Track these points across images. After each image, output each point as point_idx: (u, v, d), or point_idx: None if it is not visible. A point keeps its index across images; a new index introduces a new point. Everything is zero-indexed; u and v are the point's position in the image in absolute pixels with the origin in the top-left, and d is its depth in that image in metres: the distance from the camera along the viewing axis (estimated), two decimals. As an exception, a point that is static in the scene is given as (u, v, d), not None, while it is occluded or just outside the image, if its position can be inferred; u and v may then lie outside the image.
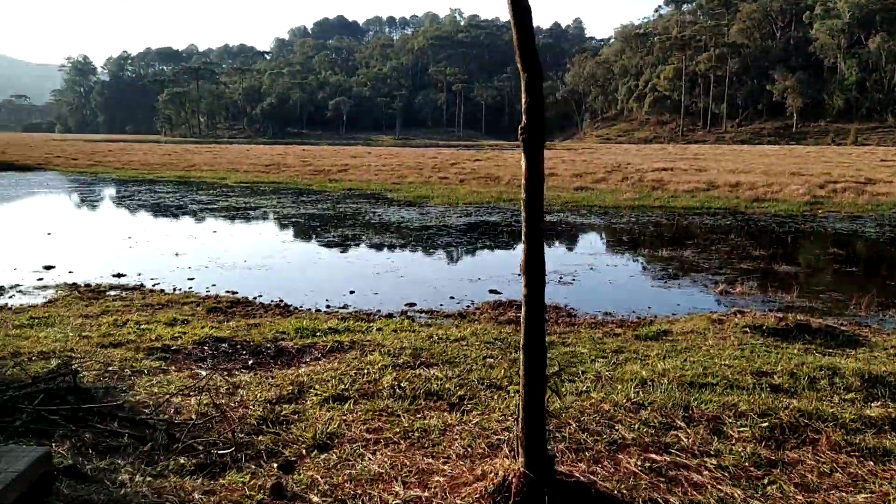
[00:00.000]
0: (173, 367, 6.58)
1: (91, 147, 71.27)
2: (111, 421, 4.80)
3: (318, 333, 8.02)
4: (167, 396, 5.40)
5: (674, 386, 5.83)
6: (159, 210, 23.40)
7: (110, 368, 6.33)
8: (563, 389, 5.64)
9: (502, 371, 6.25)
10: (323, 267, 13.99)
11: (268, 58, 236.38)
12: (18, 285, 11.44)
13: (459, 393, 5.61)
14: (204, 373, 6.35)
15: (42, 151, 60.18)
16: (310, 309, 10.03)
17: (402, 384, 5.80)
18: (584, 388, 5.80)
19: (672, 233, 18.77)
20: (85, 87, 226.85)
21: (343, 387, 5.75)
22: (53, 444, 4.37)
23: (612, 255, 15.52)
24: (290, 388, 5.74)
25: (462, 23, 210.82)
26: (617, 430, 4.73)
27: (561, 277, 12.44)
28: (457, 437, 4.64)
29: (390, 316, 9.57)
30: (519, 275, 13.32)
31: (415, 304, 10.37)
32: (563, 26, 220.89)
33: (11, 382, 5.44)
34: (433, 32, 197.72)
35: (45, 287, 11.36)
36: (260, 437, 4.67)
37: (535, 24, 3.51)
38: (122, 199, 28.15)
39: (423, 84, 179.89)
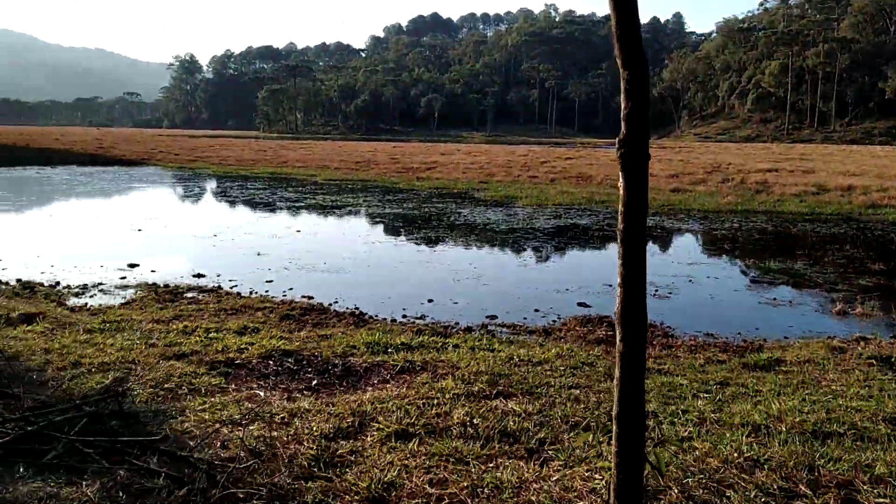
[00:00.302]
0: (233, 385, 6.15)
1: (193, 143, 73.79)
2: (151, 455, 4.35)
3: (389, 350, 7.46)
4: (216, 426, 4.93)
5: (794, 436, 4.96)
6: (248, 207, 23.59)
7: (166, 385, 5.95)
8: (660, 439, 4.88)
9: (589, 407, 5.52)
10: (403, 271, 13.49)
11: (363, 55, 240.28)
12: (101, 284, 11.42)
13: (540, 435, 4.91)
14: (262, 394, 5.89)
15: (147, 147, 62.63)
16: (385, 319, 9.51)
17: (474, 420, 5.15)
18: (686, 434, 5.00)
19: (779, 241, 17.38)
20: (191, 84, 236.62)
21: (409, 420, 5.15)
22: (84, 484, 3.95)
23: (714, 265, 14.39)
24: (351, 419, 5.18)
25: (557, 19, 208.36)
26: (728, 499, 3.93)
27: (657, 290, 11.50)
28: (533, 497, 3.95)
29: (469, 330, 8.93)
30: (610, 286, 12.49)
31: (496, 318, 9.69)
32: (662, 21, 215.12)
33: (57, 403, 5.09)
34: (527, 29, 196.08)
35: (125, 286, 11.30)
36: (309, 484, 4.11)
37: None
38: (214, 195, 28.64)
39: (515, 81, 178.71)
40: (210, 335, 7.94)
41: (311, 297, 10.66)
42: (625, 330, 2.61)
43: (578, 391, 6.01)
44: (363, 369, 6.80)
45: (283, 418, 5.21)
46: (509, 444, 4.81)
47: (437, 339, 8.01)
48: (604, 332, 8.77)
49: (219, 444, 4.66)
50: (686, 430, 5.10)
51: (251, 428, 4.93)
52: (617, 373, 2.67)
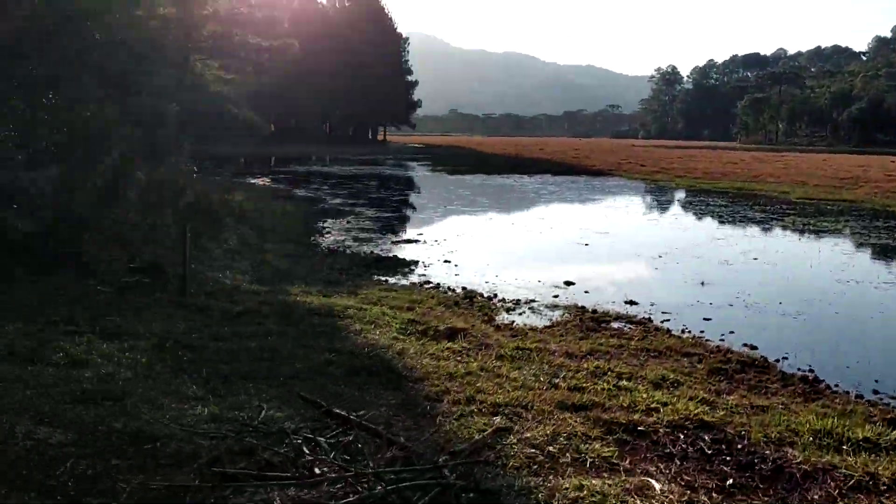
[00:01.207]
0: (626, 463, 5.04)
1: (662, 153, 73.74)
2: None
3: (844, 446, 5.51)
4: (579, 532, 3.89)
5: None
6: (702, 226, 21.94)
7: (549, 448, 5.11)
8: None
9: None
10: (886, 325, 10.66)
11: (864, 59, 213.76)
12: (533, 301, 11.27)
13: None
14: (657, 487, 4.64)
15: (617, 157, 64.46)
16: (847, 392, 7.34)
17: None
18: None
19: None
20: (669, 95, 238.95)
21: None
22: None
23: None
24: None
25: None
26: None
27: None
28: None
29: (978, 433, 6.30)
30: None
31: None
32: None
33: (423, 455, 4.60)
34: None
35: (555, 307, 10.95)
36: None
37: None
38: (670, 210, 27.57)
39: None
40: (620, 383, 6.94)
41: (753, 347, 8.90)
42: None
43: None
44: (801, 473, 5.05)
45: (669, 539, 3.92)
46: None
47: (920, 441, 5.72)
48: None
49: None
50: None
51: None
52: None
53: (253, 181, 34.79)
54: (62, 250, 9.73)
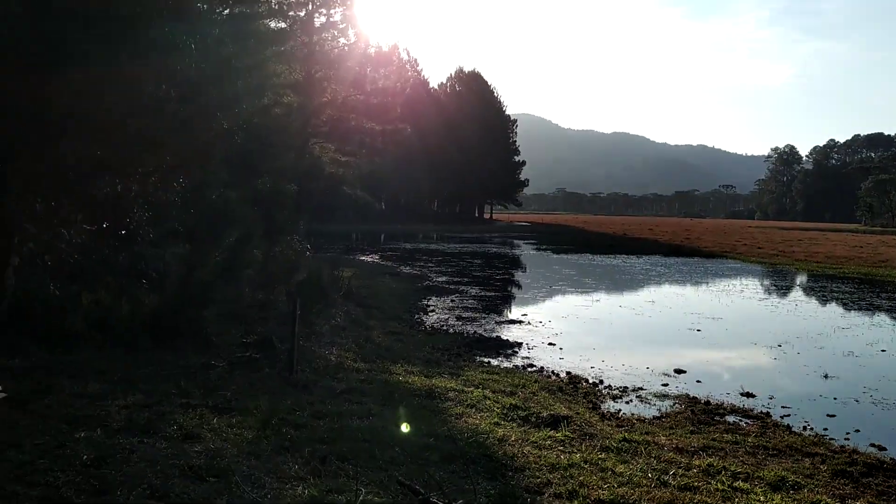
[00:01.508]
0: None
1: (781, 235, 70.92)
2: None
3: None
4: None
5: None
6: (825, 313, 20.68)
7: (654, 553, 4.82)
8: None
9: None
10: None
11: None
12: (641, 389, 10.88)
13: None
14: None
15: (732, 238, 62.46)
16: None
17: None
18: None
19: None
20: (787, 175, 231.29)
21: None
22: None
23: None
24: None
25: None
26: None
27: None
28: None
29: None
30: None
31: None
32: None
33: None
34: None
35: (664, 396, 10.51)
36: None
37: None
38: (791, 296, 26.21)
39: None
40: (735, 483, 6.53)
41: (882, 448, 8.23)
42: None
43: None
44: None
45: None
46: None
47: None
48: None
49: None
50: None
51: None
52: None
53: (362, 258, 35.72)
54: (182, 323, 10.23)
